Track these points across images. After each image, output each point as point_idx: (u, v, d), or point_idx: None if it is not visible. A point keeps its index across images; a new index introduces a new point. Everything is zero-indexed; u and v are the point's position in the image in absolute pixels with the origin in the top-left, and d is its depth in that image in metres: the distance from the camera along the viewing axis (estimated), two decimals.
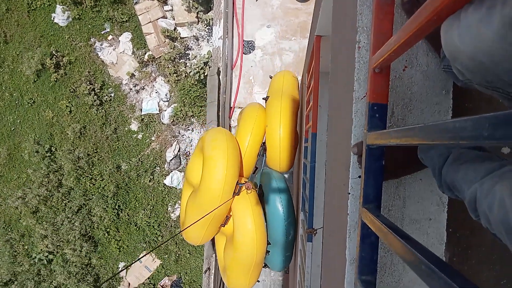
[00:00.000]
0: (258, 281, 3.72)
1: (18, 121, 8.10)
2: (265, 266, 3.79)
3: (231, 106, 6.39)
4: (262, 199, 3.64)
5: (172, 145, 7.43)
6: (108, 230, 7.73)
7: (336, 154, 1.19)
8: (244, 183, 3.43)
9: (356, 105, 0.95)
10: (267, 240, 3.47)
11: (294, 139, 3.68)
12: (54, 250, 7.89)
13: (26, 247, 8.24)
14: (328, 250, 1.30)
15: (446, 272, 0.45)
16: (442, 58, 0.90)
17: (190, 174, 3.75)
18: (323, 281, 1.38)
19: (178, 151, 7.45)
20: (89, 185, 7.72)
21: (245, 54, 6.49)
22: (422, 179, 0.98)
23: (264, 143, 3.77)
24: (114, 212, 7.63)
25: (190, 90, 7.04)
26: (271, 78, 4.28)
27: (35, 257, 8.06)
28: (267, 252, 3.52)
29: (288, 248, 3.56)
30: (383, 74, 0.83)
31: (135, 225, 7.69)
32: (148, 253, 7.35)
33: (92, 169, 7.76)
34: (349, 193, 0.97)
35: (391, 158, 0.91)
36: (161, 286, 7.63)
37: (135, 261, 7.67)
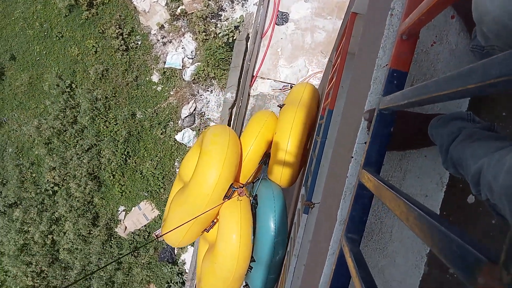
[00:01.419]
0: None
1: (44, 52, 8.21)
2: (246, 285, 3.49)
3: (254, 74, 6.35)
4: (255, 211, 3.32)
5: (189, 102, 7.48)
6: (114, 173, 7.94)
7: (348, 120, 1.20)
8: (237, 188, 3.14)
9: (377, 72, 0.95)
10: (252, 256, 3.15)
11: (302, 155, 3.36)
12: (60, 182, 8.16)
13: (34, 175, 8.54)
14: (321, 214, 1.34)
15: (437, 219, 0.46)
16: (472, 38, 0.89)
17: (183, 169, 3.48)
18: (312, 242, 1.43)
19: (194, 110, 7.50)
20: (102, 127, 7.88)
21: (278, 25, 6.38)
22: (427, 156, 0.99)
23: (268, 151, 3.47)
24: (123, 158, 7.81)
25: (216, 51, 7.01)
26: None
27: (41, 186, 8.37)
28: (250, 268, 3.20)
29: (273, 270, 3.19)
30: (410, 42, 0.83)
31: (140, 174, 7.88)
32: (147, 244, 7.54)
33: (108, 112, 7.89)
34: (352, 157, 0.99)
35: (401, 130, 0.92)
36: (156, 235, 7.89)
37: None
